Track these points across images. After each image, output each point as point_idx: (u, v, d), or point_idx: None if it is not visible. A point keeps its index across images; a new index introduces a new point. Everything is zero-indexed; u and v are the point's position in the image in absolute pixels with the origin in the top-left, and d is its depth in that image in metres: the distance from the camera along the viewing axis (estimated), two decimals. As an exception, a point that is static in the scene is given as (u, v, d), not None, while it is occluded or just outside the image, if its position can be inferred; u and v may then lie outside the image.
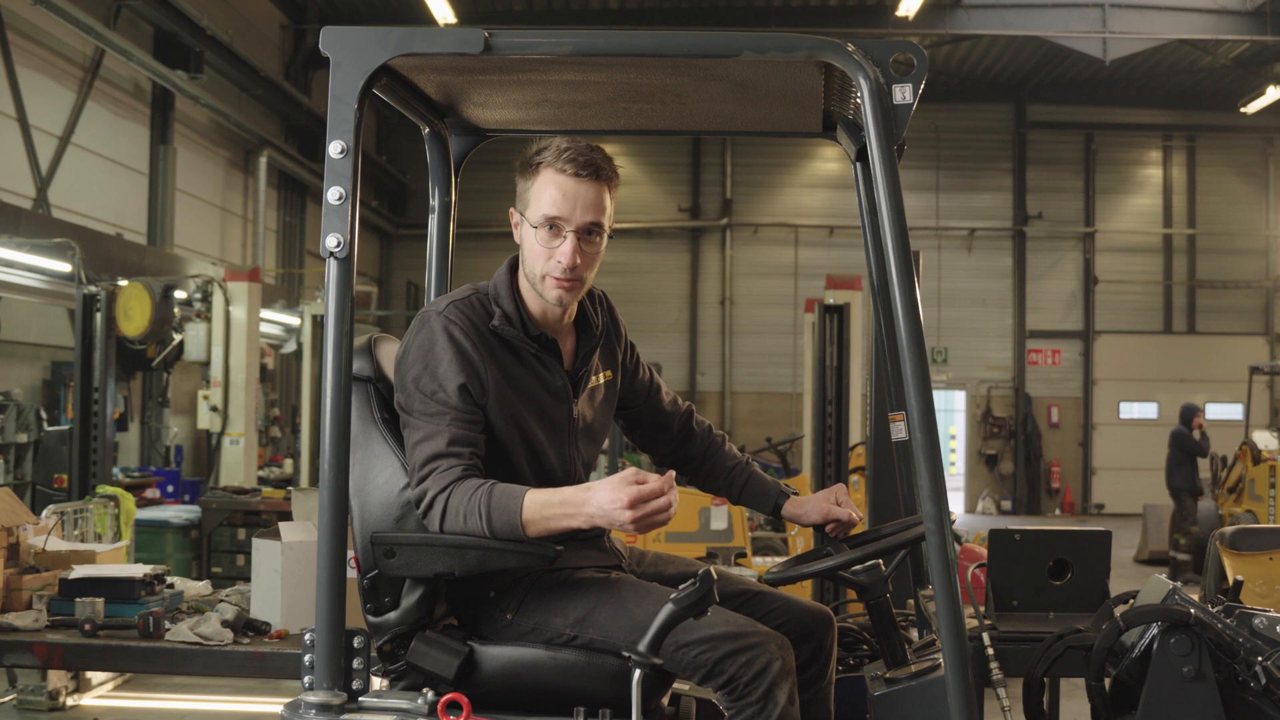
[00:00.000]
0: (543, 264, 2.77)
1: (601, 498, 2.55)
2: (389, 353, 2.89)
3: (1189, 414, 14.49)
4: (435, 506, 2.63)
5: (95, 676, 7.03)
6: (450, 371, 2.70)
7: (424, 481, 2.65)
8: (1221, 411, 21.94)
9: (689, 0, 18.48)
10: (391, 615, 2.71)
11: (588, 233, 2.76)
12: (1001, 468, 23.10)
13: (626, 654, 2.49)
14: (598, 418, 2.99)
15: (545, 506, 2.60)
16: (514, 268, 2.88)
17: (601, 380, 2.99)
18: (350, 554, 2.63)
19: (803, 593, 6.44)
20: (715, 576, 2.49)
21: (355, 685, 2.60)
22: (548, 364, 2.85)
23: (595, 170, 2.75)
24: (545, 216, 2.75)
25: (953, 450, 24.14)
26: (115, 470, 10.39)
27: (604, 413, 3.02)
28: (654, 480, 2.53)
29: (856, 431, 9.75)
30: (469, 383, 2.70)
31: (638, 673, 2.46)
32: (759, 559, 8.54)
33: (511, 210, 2.86)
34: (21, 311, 11.49)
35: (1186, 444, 14.20)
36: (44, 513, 6.37)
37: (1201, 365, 22.96)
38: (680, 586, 2.47)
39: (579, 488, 2.63)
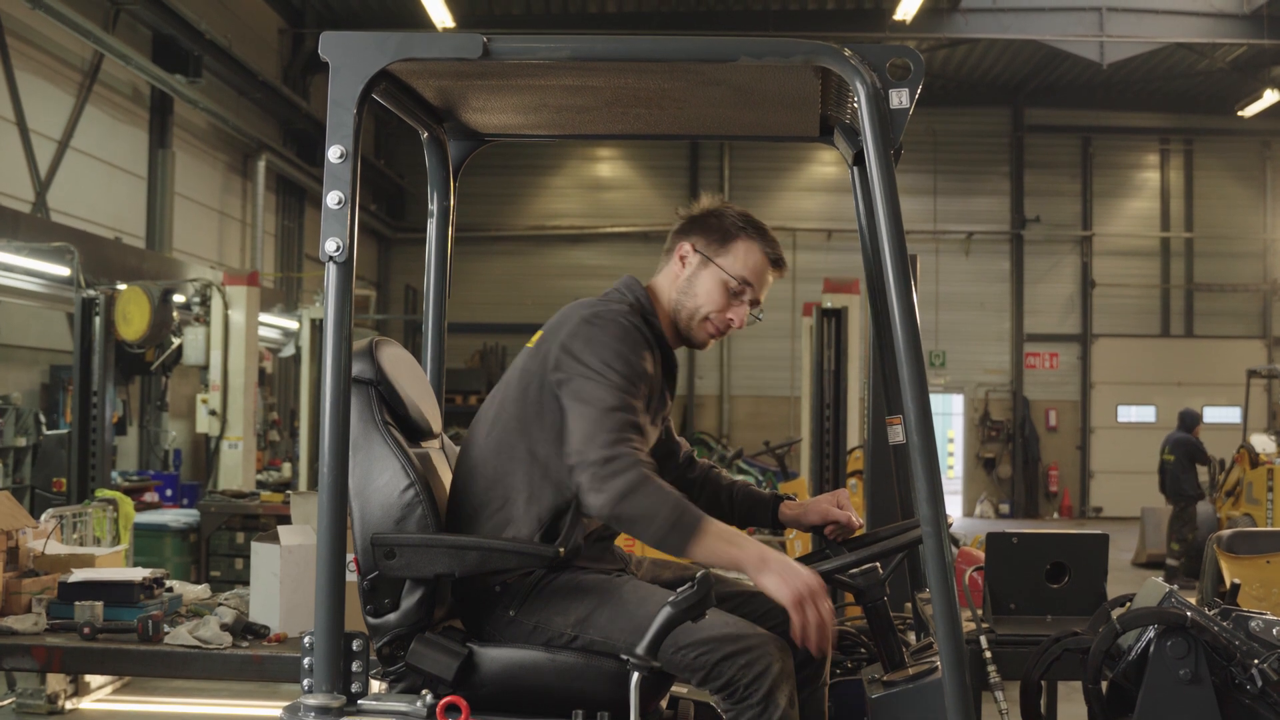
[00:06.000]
0: (712, 310, 2.98)
1: (792, 565, 2.67)
2: (391, 356, 2.91)
3: (1193, 421, 14.24)
4: (627, 474, 2.66)
5: (94, 680, 7.03)
6: (639, 358, 2.81)
7: (619, 445, 2.68)
8: (1219, 415, 21.93)
9: (686, 5, 18.47)
10: (391, 617, 2.72)
11: (752, 305, 3.00)
12: (999, 471, 23.09)
13: (625, 656, 2.50)
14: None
15: (727, 532, 2.71)
16: (642, 287, 3.03)
17: None
18: (350, 556, 2.63)
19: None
20: (714, 579, 2.51)
21: (354, 688, 2.61)
22: (670, 381, 3.02)
23: (780, 274, 3.07)
24: (744, 279, 2.98)
25: (950, 454, 24.10)
26: (114, 474, 10.38)
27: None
28: (829, 604, 2.69)
29: (854, 435, 9.75)
30: (651, 371, 2.85)
31: (636, 675, 2.47)
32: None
33: (684, 243, 3.03)
34: (20, 315, 11.49)
35: (1195, 453, 13.94)
36: (43, 516, 6.35)
37: (1199, 369, 22.94)
38: (678, 589, 2.49)
39: (762, 544, 2.76)
